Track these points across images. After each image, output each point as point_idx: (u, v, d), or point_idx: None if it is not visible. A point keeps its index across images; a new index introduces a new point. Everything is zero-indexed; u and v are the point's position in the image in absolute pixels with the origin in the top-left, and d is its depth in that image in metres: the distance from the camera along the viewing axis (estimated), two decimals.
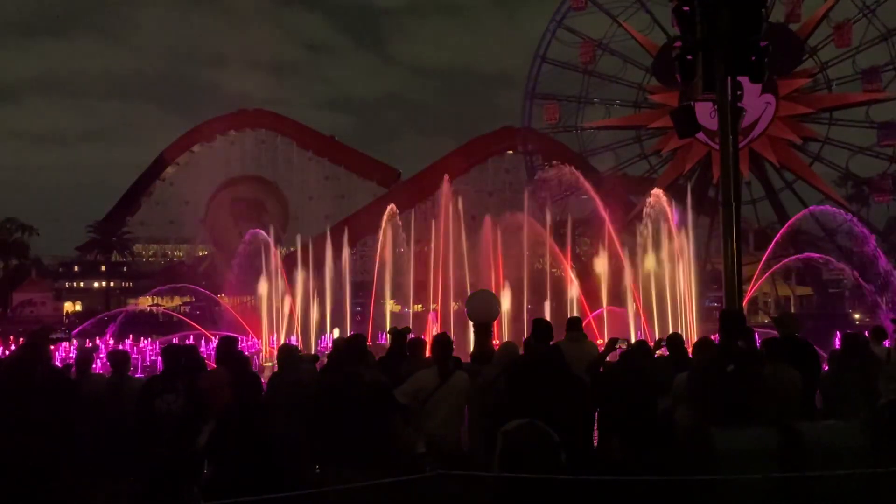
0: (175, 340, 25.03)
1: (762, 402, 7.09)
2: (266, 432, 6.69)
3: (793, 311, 62.63)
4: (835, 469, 6.19)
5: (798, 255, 48.58)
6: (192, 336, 30.09)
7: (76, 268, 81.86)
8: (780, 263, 47.85)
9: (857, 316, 56.50)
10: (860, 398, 7.77)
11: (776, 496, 6.21)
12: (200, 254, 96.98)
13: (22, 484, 6.65)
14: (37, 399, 7.43)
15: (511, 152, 76.45)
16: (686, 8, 10.90)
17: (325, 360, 9.54)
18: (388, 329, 18.87)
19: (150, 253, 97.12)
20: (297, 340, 36.08)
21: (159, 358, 9.18)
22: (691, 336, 27.95)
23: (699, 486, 6.38)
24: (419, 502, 6.21)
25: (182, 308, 71.32)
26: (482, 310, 10.74)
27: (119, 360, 8.81)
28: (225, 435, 6.16)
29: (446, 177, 47.08)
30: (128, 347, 26.43)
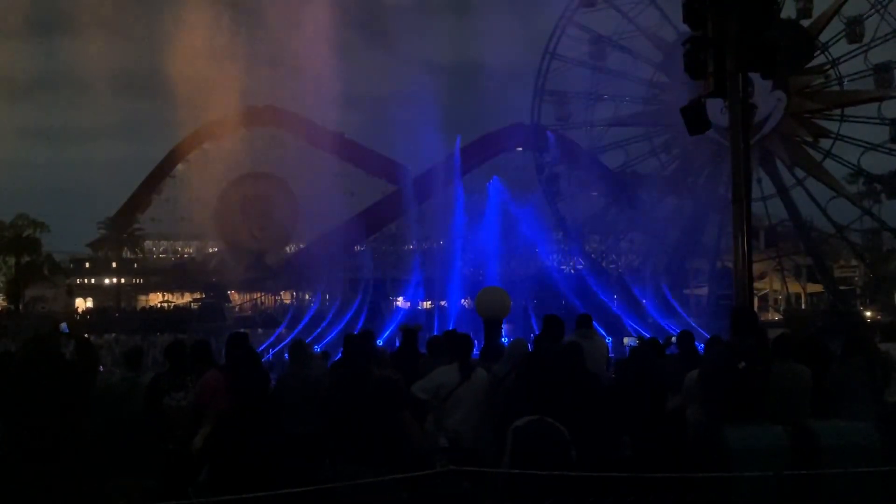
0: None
1: (772, 399, 7.06)
2: (265, 435, 6.69)
3: (803, 308, 62.38)
4: (847, 468, 6.17)
5: None
6: None
7: (87, 264, 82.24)
8: None
9: (868, 313, 56.20)
10: (866, 396, 7.74)
11: (788, 495, 6.19)
12: (210, 250, 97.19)
13: (32, 480, 6.69)
14: (44, 392, 7.46)
15: (520, 149, 76.31)
16: (697, 4, 10.86)
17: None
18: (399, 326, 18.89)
19: (161, 249, 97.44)
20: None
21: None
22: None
23: (710, 483, 6.37)
24: (430, 498, 6.23)
25: (192, 304, 71.64)
26: (492, 306, 10.74)
27: (132, 355, 8.84)
28: (220, 439, 6.18)
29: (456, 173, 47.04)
30: None
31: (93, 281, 76.66)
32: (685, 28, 11.58)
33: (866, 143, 54.64)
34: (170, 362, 7.93)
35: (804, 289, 64.63)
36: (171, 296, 75.51)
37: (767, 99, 49.01)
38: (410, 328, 9.99)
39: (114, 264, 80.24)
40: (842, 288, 62.95)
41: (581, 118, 61.14)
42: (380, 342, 24.25)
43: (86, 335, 9.09)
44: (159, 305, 73.12)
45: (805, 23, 53.88)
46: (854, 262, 65.63)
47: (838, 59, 54.34)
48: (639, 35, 58.64)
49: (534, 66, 62.48)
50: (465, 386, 7.37)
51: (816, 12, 54.02)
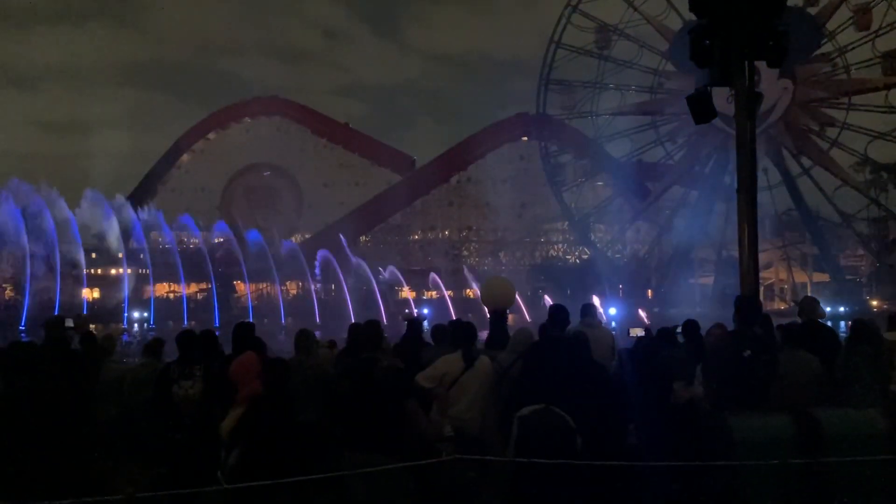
0: None
1: (778, 388, 7.07)
2: (291, 418, 6.71)
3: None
4: (853, 456, 6.17)
5: None
6: None
7: (94, 255, 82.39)
8: None
9: (874, 303, 56.07)
10: (872, 384, 7.73)
11: (794, 483, 6.21)
12: (216, 241, 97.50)
13: (38, 466, 6.73)
14: (54, 381, 7.51)
15: (526, 139, 76.19)
16: None
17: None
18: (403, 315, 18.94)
19: (166, 240, 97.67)
20: None
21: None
22: None
23: (716, 472, 6.38)
24: (436, 486, 6.26)
25: (198, 295, 71.84)
26: (498, 296, 10.73)
27: (153, 345, 8.96)
28: (254, 421, 6.20)
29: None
30: None
31: (99, 271, 76.92)
32: (691, 16, 11.51)
33: (873, 131, 54.42)
34: (180, 351, 7.98)
35: (810, 278, 64.49)
36: (177, 286, 75.70)
37: (774, 87, 48.82)
38: (415, 318, 10.03)
39: (120, 255, 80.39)
40: (848, 277, 62.81)
41: (586, 107, 61.01)
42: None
43: (92, 326, 9.14)
44: (165, 296, 73.36)
45: (812, 10, 53.59)
46: (860, 252, 65.42)
47: (845, 47, 54.11)
48: (644, 23, 58.43)
49: (539, 55, 62.37)
50: (470, 374, 7.39)
51: (823, 0, 53.75)
